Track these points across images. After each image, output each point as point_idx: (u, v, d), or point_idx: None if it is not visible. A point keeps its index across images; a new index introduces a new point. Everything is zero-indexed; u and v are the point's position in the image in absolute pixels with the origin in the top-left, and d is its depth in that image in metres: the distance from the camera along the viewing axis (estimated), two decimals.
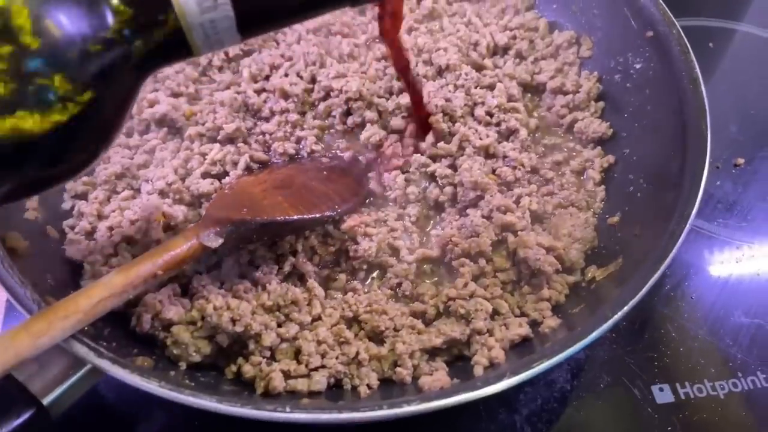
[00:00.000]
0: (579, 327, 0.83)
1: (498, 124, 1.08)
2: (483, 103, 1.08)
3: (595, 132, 1.10)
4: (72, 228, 0.98)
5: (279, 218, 0.90)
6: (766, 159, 1.29)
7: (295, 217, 0.91)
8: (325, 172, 1.02)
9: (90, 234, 0.96)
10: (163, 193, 0.98)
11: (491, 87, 1.12)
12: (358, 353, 0.86)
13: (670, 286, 1.10)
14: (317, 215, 0.94)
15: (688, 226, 0.83)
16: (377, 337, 0.90)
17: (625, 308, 0.77)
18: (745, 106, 1.37)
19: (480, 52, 1.17)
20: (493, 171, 1.03)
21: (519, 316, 0.92)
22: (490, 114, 1.08)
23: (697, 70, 0.97)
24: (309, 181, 1.00)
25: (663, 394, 0.99)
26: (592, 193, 1.06)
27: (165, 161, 1.03)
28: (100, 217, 0.98)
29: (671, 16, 1.03)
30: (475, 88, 1.10)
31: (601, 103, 1.14)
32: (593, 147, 1.11)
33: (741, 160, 1.27)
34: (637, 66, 1.08)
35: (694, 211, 0.84)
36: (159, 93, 1.08)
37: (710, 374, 1.01)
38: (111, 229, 0.94)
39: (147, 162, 1.04)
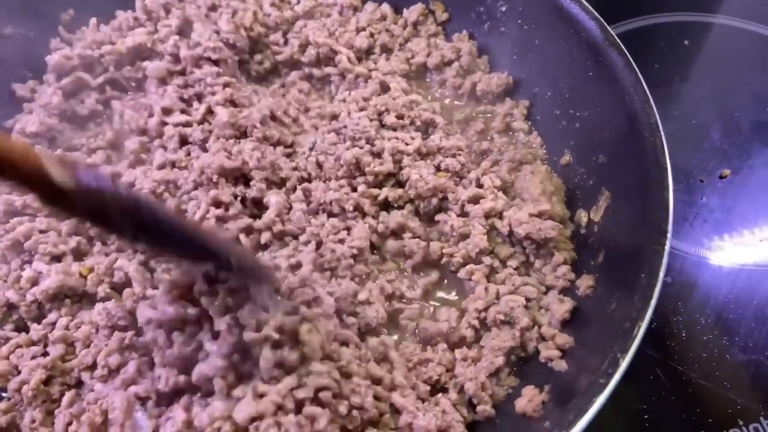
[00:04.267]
0: (617, 279, 0.80)
1: (413, 122, 1.01)
2: (387, 110, 1.00)
3: (498, 86, 1.07)
4: None
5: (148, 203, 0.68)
6: (756, 168, 1.12)
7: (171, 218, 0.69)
8: None
9: None
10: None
11: (384, 89, 1.05)
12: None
13: (657, 324, 0.96)
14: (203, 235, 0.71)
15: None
16: (438, 387, 0.81)
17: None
18: (727, 108, 1.18)
19: (344, 67, 1.09)
20: (438, 168, 0.96)
21: (546, 293, 0.88)
22: (400, 116, 1.00)
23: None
24: None
25: None
26: (529, 143, 1.03)
27: (92, 336, 0.82)
28: None
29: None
30: (368, 100, 1.02)
31: (485, 57, 1.11)
32: (503, 101, 1.08)
33: (727, 171, 1.11)
34: (503, 8, 1.07)
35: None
36: (37, 264, 0.86)
37: (707, 424, 0.89)
38: None
39: (69, 348, 0.83)
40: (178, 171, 0.96)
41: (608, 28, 0.92)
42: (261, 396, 0.71)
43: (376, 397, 0.76)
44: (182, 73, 1.08)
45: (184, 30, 1.13)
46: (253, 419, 0.70)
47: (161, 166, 0.97)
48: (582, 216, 0.92)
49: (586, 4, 0.94)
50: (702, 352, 0.96)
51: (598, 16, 0.93)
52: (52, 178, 0.55)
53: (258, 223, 0.89)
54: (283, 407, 0.70)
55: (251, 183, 0.92)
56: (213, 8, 1.18)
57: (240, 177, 0.95)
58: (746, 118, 1.18)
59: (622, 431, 0.91)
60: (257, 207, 0.92)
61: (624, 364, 0.67)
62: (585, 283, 0.84)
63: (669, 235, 0.74)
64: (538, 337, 0.83)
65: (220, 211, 0.88)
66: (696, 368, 0.94)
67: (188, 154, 0.98)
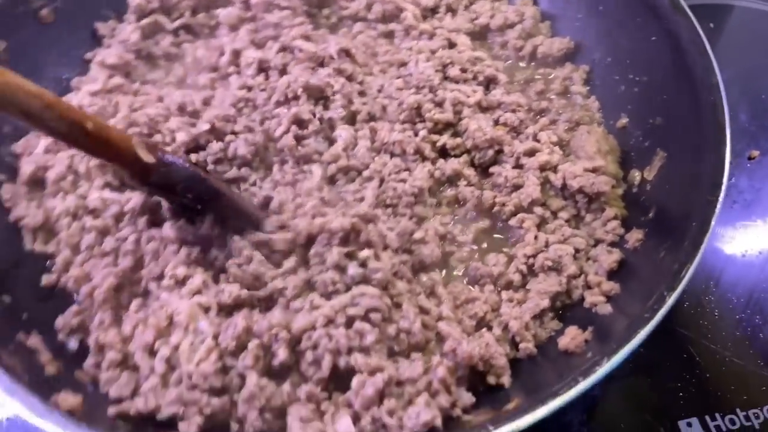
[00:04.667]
0: (667, 231, 0.82)
1: (475, 77, 1.03)
2: (452, 63, 1.03)
3: (559, 50, 1.09)
4: (98, 366, 0.81)
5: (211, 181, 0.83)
6: None
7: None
8: None
9: (123, 364, 0.80)
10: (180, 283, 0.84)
11: (451, 45, 1.09)
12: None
13: (689, 303, 0.98)
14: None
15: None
16: (483, 324, 0.84)
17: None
18: (754, 90, 1.19)
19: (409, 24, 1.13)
20: (496, 122, 0.99)
21: (595, 246, 0.90)
22: (464, 70, 1.03)
23: None
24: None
25: (692, 430, 0.88)
26: (586, 106, 1.05)
27: (161, 250, 0.88)
28: (125, 341, 0.81)
29: None
30: (435, 53, 1.06)
31: (547, 22, 1.13)
32: (563, 65, 1.10)
33: (756, 153, 1.12)
34: None
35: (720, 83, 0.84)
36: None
37: (742, 402, 0.89)
38: (150, 349, 0.79)
39: (138, 261, 0.88)
40: (258, 92, 1.00)
41: None
42: (316, 308, 0.76)
43: (424, 325, 0.80)
44: (253, 19, 1.13)
45: None
46: (306, 330, 0.75)
47: (241, 88, 1.00)
48: (635, 175, 0.94)
49: None
50: (735, 331, 0.96)
51: None
52: (141, 157, 0.75)
53: (325, 156, 0.93)
54: (334, 321, 0.75)
55: (331, 106, 0.96)
56: None
57: (320, 99, 0.98)
58: None
59: (658, 408, 0.92)
60: (331, 130, 0.96)
61: (670, 302, 0.69)
62: (634, 236, 0.86)
63: (724, 188, 0.76)
64: (584, 284, 0.85)
65: (299, 130, 0.93)
66: (729, 347, 0.94)
67: (267, 78, 1.02)
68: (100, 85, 1.01)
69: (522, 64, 1.12)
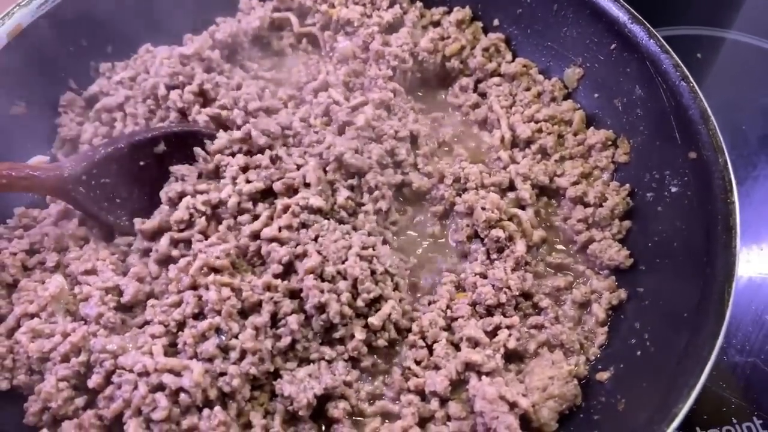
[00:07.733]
0: None
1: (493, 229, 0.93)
2: (486, 207, 0.93)
3: (611, 259, 0.92)
4: None
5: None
6: (761, 179, 1.16)
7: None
8: None
9: None
10: None
11: (510, 186, 1.00)
12: None
13: None
14: None
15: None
16: None
17: None
18: (736, 121, 1.24)
19: (492, 143, 1.05)
20: (463, 289, 0.90)
21: None
22: (488, 221, 0.92)
23: (737, 216, 0.79)
24: None
25: None
26: (591, 334, 0.89)
27: None
28: None
29: (721, 141, 0.85)
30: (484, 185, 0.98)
31: (627, 223, 0.96)
32: (606, 276, 0.93)
33: None
34: (673, 189, 0.90)
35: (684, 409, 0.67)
36: None
37: (703, 422, 0.92)
38: None
39: None
40: (312, 133, 1.00)
41: None
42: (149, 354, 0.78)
43: None
44: (365, 61, 1.12)
45: (394, 25, 1.15)
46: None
47: (301, 119, 1.02)
48: None
49: None
50: None
51: None
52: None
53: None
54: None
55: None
56: (436, 23, 1.18)
57: (354, 175, 0.97)
58: (754, 131, 1.24)
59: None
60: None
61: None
62: None
63: None
64: None
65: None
66: None
67: (328, 124, 1.02)
68: (191, 51, 1.06)
69: (571, 248, 0.97)
